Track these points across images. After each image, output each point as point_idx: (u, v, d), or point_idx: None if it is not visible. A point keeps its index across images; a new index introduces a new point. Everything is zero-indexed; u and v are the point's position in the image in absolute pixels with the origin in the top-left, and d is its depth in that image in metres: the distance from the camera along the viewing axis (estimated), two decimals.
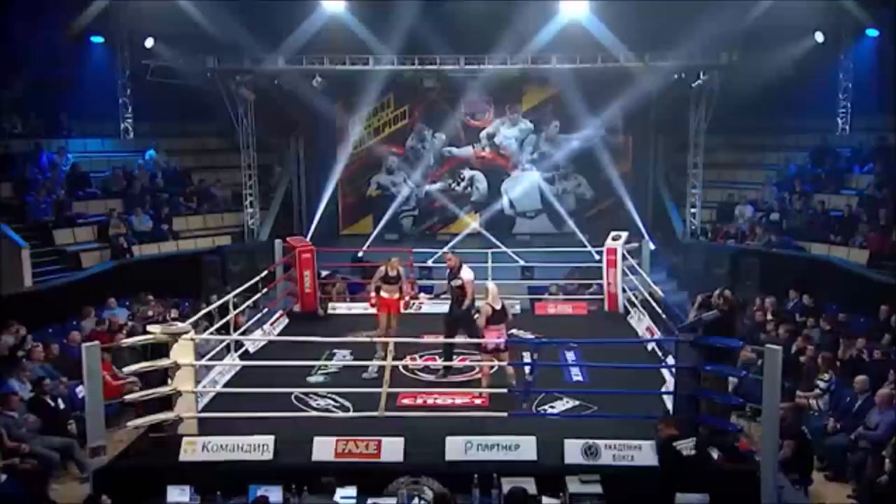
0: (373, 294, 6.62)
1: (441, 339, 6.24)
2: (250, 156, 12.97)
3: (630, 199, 13.64)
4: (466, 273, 6.73)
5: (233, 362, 6.78)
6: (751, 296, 8.85)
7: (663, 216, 13.08)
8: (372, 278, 7.05)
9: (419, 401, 5.96)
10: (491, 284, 6.16)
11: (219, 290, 9.02)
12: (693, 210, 12.47)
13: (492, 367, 6.03)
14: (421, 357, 7.00)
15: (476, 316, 6.04)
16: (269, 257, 9.65)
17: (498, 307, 6.01)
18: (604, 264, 8.89)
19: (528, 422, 5.47)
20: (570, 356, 7.08)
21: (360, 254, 13.20)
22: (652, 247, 10.28)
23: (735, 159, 13.03)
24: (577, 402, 5.86)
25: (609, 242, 8.85)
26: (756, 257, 10.18)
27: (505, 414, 5.47)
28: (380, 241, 14.54)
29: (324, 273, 9.82)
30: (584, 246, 10.59)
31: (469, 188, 15.07)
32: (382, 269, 6.76)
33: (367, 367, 6.61)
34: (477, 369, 6.57)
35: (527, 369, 6.26)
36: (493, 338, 5.92)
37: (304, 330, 7.72)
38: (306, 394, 6.07)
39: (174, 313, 8.04)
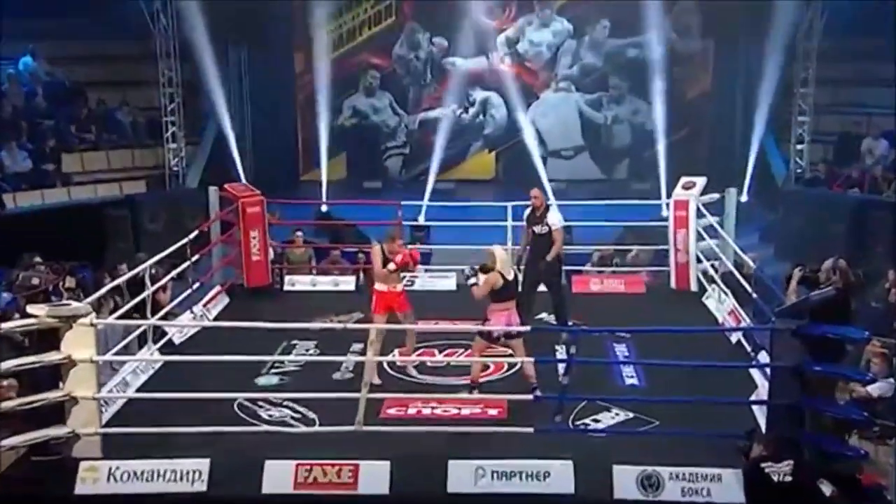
0: (395, 262, 6.48)
1: (448, 326, 6.18)
2: (172, 67, 12.78)
3: (709, 132, 13.53)
4: (555, 217, 7.18)
5: (151, 357, 6.78)
6: (881, 267, 8.60)
7: (757, 155, 12.93)
8: (338, 248, 7.21)
9: (412, 410, 6.01)
10: (498, 249, 6.21)
11: (130, 257, 8.97)
12: (800, 147, 12.28)
13: (486, 365, 6.21)
14: (415, 351, 7.01)
15: (472, 283, 6.12)
16: (202, 211, 9.64)
17: (510, 277, 6.08)
18: (670, 223, 8.85)
19: (562, 440, 5.49)
20: (622, 350, 7.13)
21: (324, 208, 13.28)
22: (743, 198, 10.22)
23: (861, 73, 12.54)
24: (630, 414, 5.89)
25: (678, 193, 8.82)
26: (890, 213, 9.95)
27: (530, 429, 5.49)
28: (356, 189, 14.58)
29: (274, 243, 9.75)
30: (643, 198, 10.52)
31: (481, 116, 14.95)
32: (378, 248, 6.61)
33: (339, 363, 6.65)
34: (492, 367, 6.63)
35: (560, 368, 6.27)
36: (500, 321, 5.99)
37: (252, 313, 7.74)
38: (254, 401, 6.09)
39: (70, 282, 7.96)
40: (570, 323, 7.33)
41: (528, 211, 7.49)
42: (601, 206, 10.15)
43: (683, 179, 8.93)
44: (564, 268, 9.84)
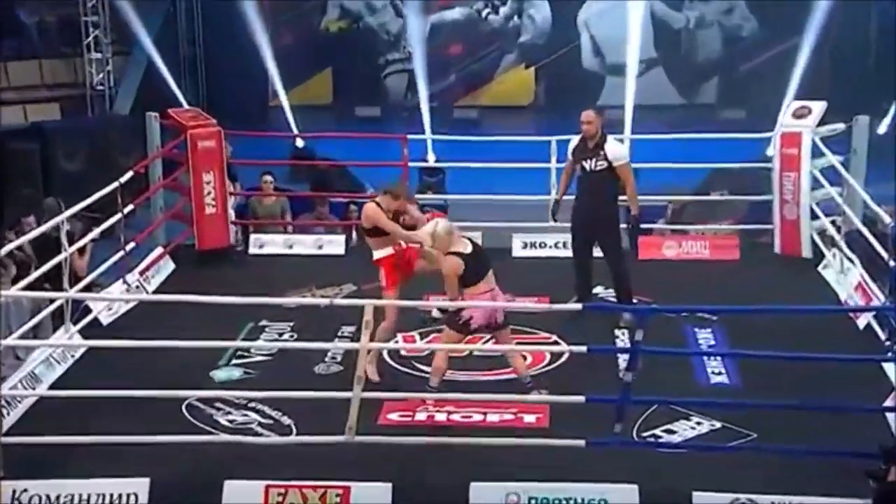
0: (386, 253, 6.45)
1: (470, 301, 6.16)
2: None
3: (832, 39, 13.33)
4: (615, 148, 7.06)
5: (70, 342, 6.83)
6: None
7: None
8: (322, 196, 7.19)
9: (421, 416, 6.05)
10: (440, 225, 6.12)
11: (38, 206, 9.00)
12: None
13: (463, 353, 6.25)
14: (423, 337, 7.05)
15: (422, 257, 6.19)
16: (136, 146, 9.75)
17: (466, 251, 6.06)
18: (775, 165, 8.80)
19: (624, 457, 5.50)
20: (706, 337, 7.15)
21: (301, 143, 13.27)
22: (880, 129, 10.03)
23: None
24: (716, 424, 5.91)
25: (787, 123, 8.75)
26: None
27: (581, 442, 5.49)
28: (346, 117, 14.56)
29: (236, 191, 9.77)
30: (738, 130, 10.43)
31: (516, 18, 14.80)
32: (374, 206, 6.47)
33: (324, 352, 6.69)
34: (530, 359, 6.66)
35: (621, 360, 6.27)
36: (482, 308, 5.98)
37: (206, 284, 7.76)
38: (210, 401, 6.14)
39: None
40: (634, 300, 7.32)
41: (574, 141, 7.43)
42: (679, 141, 10.05)
43: (795, 104, 8.87)
44: (625, 225, 9.88)
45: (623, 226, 7.50)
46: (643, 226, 9.49)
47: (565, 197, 7.63)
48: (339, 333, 7.08)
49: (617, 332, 7.15)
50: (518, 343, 6.95)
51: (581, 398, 5.58)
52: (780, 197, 8.72)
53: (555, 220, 7.75)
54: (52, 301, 6.99)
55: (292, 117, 14.18)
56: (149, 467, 5.41)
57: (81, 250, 7.86)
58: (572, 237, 7.59)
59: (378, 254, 6.53)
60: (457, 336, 6.09)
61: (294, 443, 5.68)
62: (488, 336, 6.41)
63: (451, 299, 6.11)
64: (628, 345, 6.63)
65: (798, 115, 8.72)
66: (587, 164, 7.25)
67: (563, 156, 7.93)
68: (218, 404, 6.13)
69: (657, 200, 10.03)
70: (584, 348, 5.74)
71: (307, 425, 5.82)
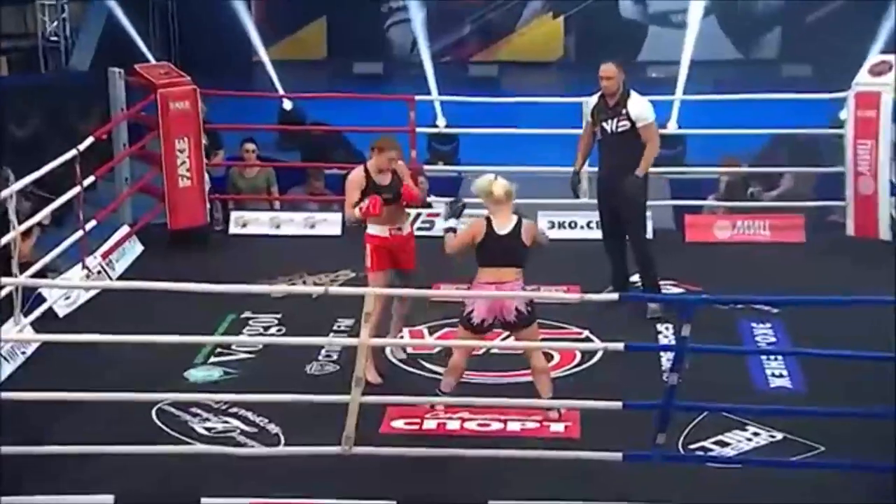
0: (360, 208, 6.43)
1: (486, 291, 6.14)
2: None
3: None
4: (638, 105, 7.23)
5: (20, 336, 6.87)
6: None
7: None
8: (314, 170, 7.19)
9: (430, 424, 6.10)
10: (493, 180, 6.06)
11: None
12: None
13: (475, 350, 6.28)
14: (433, 333, 7.16)
15: (448, 229, 6.14)
16: (98, 108, 9.77)
17: (503, 231, 6.00)
18: (848, 131, 8.78)
19: (668, 474, 5.51)
20: (765, 333, 7.17)
21: (288, 105, 13.26)
22: None
23: None
24: (777, 435, 5.93)
25: (863, 81, 8.74)
26: None
27: (617, 456, 5.50)
28: (342, 75, 14.53)
29: (215, 160, 9.79)
30: (804, 90, 10.36)
31: None
32: (360, 171, 6.55)
33: (317, 349, 6.74)
34: (557, 359, 6.70)
35: (665, 359, 6.30)
36: (484, 300, 5.96)
37: (179, 269, 7.80)
38: (184, 405, 6.19)
39: None
40: (680, 289, 7.34)
41: (593, 100, 7.44)
42: (735, 102, 10.02)
43: (872, 59, 8.85)
44: (673, 202, 9.86)
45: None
46: (690, 202, 9.53)
47: (588, 169, 7.63)
48: (335, 327, 7.10)
49: (659, 326, 7.15)
50: (543, 339, 6.98)
51: (618, 404, 5.57)
52: (853, 169, 8.70)
53: (577, 196, 7.73)
54: None
55: (279, 75, 14.17)
56: (113, 482, 5.43)
57: (26, 232, 7.88)
58: (599, 214, 7.60)
59: (368, 229, 6.57)
60: (465, 333, 6.08)
61: (282, 454, 5.70)
62: (505, 334, 6.40)
63: (447, 249, 6.11)
64: (673, 342, 6.61)
65: (877, 71, 8.69)
66: (608, 126, 7.30)
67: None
68: (194, 409, 6.16)
69: (708, 172, 10.02)
70: (620, 345, 5.73)
71: (297, 434, 5.84)
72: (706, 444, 5.84)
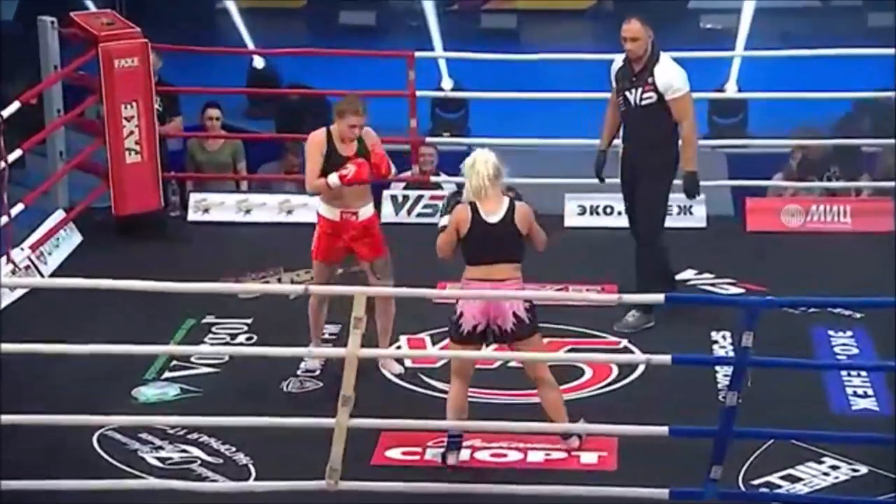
0: (343, 175, 6.57)
1: (497, 291, 6.14)
2: None
3: None
4: (667, 72, 7.20)
5: None
6: None
7: None
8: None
9: (433, 453, 6.10)
10: (480, 155, 6.09)
11: None
12: None
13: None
14: (436, 342, 7.14)
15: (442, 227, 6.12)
16: (25, 66, 9.76)
17: (492, 219, 5.98)
18: None
19: None
20: (845, 344, 7.19)
21: (260, 62, 13.23)
22: None
23: None
24: (861, 469, 5.93)
25: None
26: None
27: (663, 493, 5.52)
28: (326, 26, 14.51)
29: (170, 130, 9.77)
30: (892, 44, 10.35)
31: None
32: (321, 133, 6.74)
33: (296, 361, 6.80)
34: (589, 375, 6.68)
35: (722, 374, 6.30)
36: (473, 304, 5.94)
37: (127, 262, 7.86)
38: (132, 430, 6.19)
39: None
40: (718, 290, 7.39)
41: (618, 62, 7.43)
42: (807, 60, 10.01)
43: None
44: (731, 182, 9.82)
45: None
46: (752, 182, 9.50)
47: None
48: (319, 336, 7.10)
49: (715, 335, 7.15)
50: (572, 350, 7.00)
51: (663, 429, 5.59)
52: None
53: (602, 181, 7.68)
54: None
55: (249, 25, 14.17)
56: None
57: None
58: (624, 198, 7.64)
59: (319, 207, 6.71)
60: (454, 347, 6.05)
61: (253, 490, 5.70)
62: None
63: (438, 252, 6.10)
64: (731, 353, 6.60)
65: None
66: (631, 97, 7.29)
67: None
68: (144, 435, 6.16)
69: (774, 146, 10.00)
70: (667, 358, 5.74)
71: (271, 466, 5.85)
72: (772, 479, 5.83)
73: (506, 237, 5.98)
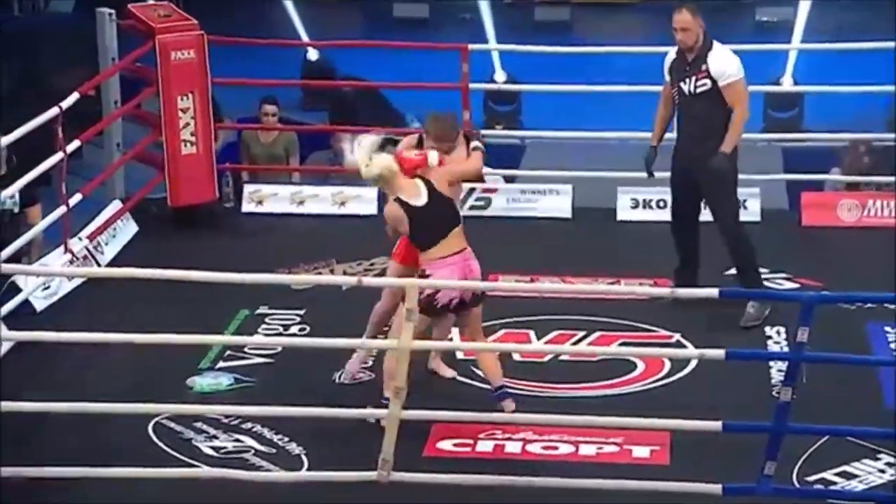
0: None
1: (555, 284, 6.17)
2: None
3: None
4: (721, 60, 7.19)
5: None
6: None
7: None
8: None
9: (485, 445, 6.12)
10: (365, 141, 6.13)
11: None
12: None
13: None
14: (488, 335, 7.06)
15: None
16: (83, 58, 9.79)
17: (417, 201, 6.06)
18: None
19: None
20: None
21: (314, 54, 13.25)
22: None
23: None
24: None
25: None
26: None
27: (716, 488, 5.50)
28: (380, 19, 14.52)
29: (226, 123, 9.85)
30: None
31: None
32: (415, 137, 6.61)
33: (348, 353, 6.76)
34: (641, 369, 6.65)
35: (776, 369, 6.25)
36: (444, 276, 6.01)
37: (182, 253, 7.89)
38: (187, 419, 6.23)
39: None
40: (794, 284, 7.36)
41: (671, 55, 7.42)
42: (865, 53, 9.89)
43: None
44: (787, 176, 9.75)
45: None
46: (809, 176, 9.42)
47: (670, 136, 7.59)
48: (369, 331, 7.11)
49: (769, 330, 7.11)
50: (625, 344, 6.97)
51: (717, 424, 5.56)
52: None
53: (650, 175, 7.65)
54: None
55: (304, 18, 14.20)
56: None
57: (32, 200, 8.01)
58: (672, 189, 7.61)
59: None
60: (424, 321, 6.06)
61: (305, 480, 5.72)
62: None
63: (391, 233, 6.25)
64: (786, 348, 6.55)
65: None
66: (685, 86, 7.28)
67: None
68: (198, 424, 6.19)
69: (830, 140, 9.90)
70: (720, 353, 5.70)
71: (323, 456, 5.87)
72: (827, 475, 5.80)
73: (441, 208, 6.12)
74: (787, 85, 11.27)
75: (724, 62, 7.21)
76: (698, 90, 7.23)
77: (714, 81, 7.19)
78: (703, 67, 7.20)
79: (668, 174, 7.66)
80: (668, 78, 7.45)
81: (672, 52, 7.40)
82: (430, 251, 6.09)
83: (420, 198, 6.08)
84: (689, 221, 7.50)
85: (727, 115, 7.22)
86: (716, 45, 7.28)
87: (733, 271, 7.50)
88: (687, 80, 7.26)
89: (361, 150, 6.09)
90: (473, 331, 6.27)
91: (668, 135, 7.62)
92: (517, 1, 14.95)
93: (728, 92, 7.19)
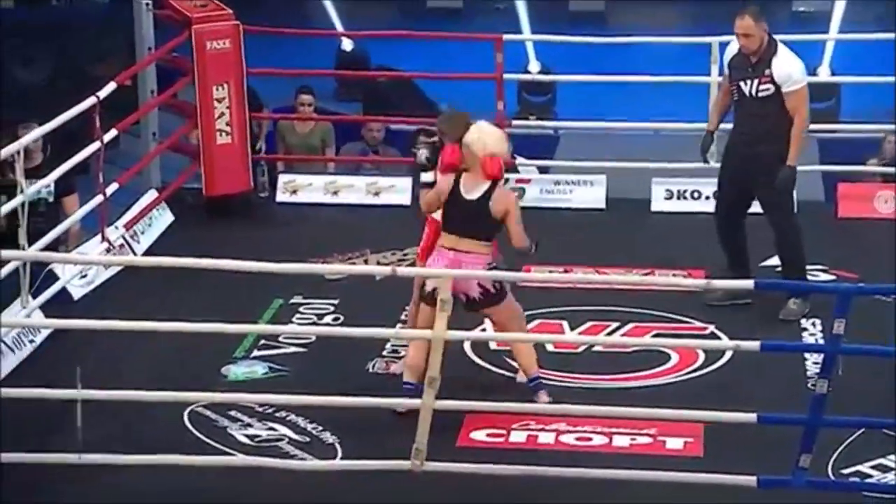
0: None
1: (587, 274, 6.15)
2: None
3: None
4: (786, 64, 7.12)
5: (27, 321, 6.98)
6: None
7: None
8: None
9: (518, 436, 6.13)
10: (485, 127, 6.24)
11: None
12: None
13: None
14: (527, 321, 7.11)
15: (424, 183, 6.32)
16: (119, 47, 9.88)
17: (471, 195, 6.09)
18: None
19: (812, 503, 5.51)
20: None
21: (348, 44, 13.25)
22: None
23: None
24: None
25: None
26: None
27: (751, 480, 5.47)
28: (414, 9, 14.51)
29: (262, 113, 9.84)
30: None
31: None
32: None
33: (382, 342, 6.82)
34: (675, 360, 6.65)
35: (811, 362, 6.24)
36: (439, 265, 6.09)
37: (217, 242, 7.92)
38: (222, 407, 6.26)
39: None
40: (830, 277, 7.36)
41: (733, 48, 7.33)
42: None
43: None
44: (823, 167, 9.69)
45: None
46: (845, 168, 9.36)
47: (724, 126, 7.54)
48: (403, 317, 7.11)
49: (804, 322, 7.07)
50: (658, 335, 6.96)
51: (751, 416, 5.53)
52: None
53: (706, 162, 7.64)
54: (2, 264, 7.11)
55: (338, 8, 14.21)
56: (137, 499, 5.52)
57: (69, 190, 8.02)
58: (719, 185, 7.55)
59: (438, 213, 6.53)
60: (428, 310, 6.09)
61: (339, 469, 5.74)
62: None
63: (423, 208, 6.32)
64: (821, 340, 6.52)
65: None
66: (746, 87, 7.18)
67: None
68: (233, 412, 6.23)
69: (867, 131, 9.84)
70: (755, 344, 5.68)
71: (357, 445, 5.89)
72: (862, 468, 5.78)
73: (477, 216, 6.14)
74: (823, 75, 11.20)
75: (790, 68, 7.12)
76: (760, 94, 7.13)
77: (777, 87, 7.10)
78: (767, 72, 7.10)
79: (703, 165, 7.63)
80: (727, 72, 7.38)
81: (734, 44, 7.30)
82: (444, 236, 6.19)
83: (471, 192, 6.12)
84: (735, 220, 7.42)
85: (784, 118, 7.13)
86: (781, 48, 7.18)
87: (770, 262, 7.48)
88: (748, 81, 7.16)
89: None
90: (501, 325, 6.28)
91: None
92: None
93: (791, 98, 7.10)
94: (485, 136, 6.17)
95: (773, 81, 7.10)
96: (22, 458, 5.54)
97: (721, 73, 7.97)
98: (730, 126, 7.51)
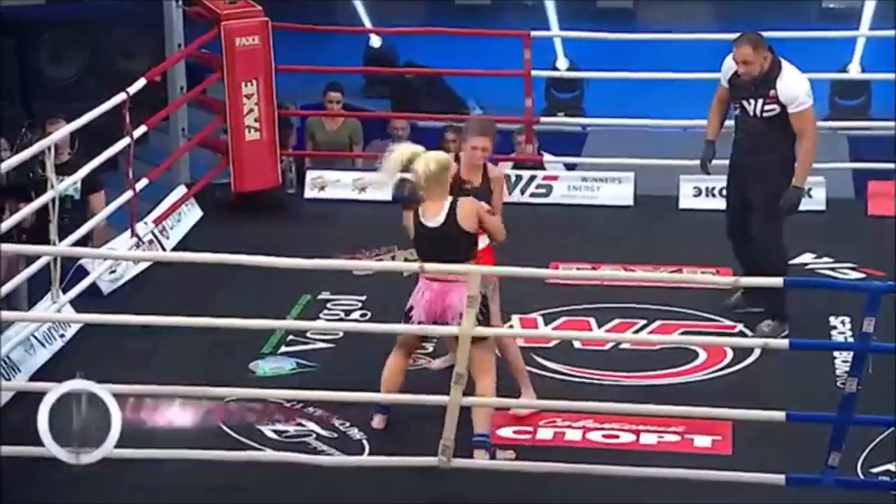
0: None
1: (615, 271, 6.12)
2: None
3: None
4: (791, 85, 6.92)
5: (57, 315, 7.00)
6: None
7: None
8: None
9: (545, 433, 6.14)
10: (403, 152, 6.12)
11: (16, 124, 9.17)
12: None
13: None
14: (549, 322, 7.16)
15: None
16: (149, 44, 9.89)
17: (432, 222, 5.91)
18: None
19: (842, 502, 5.44)
20: None
21: (376, 41, 13.24)
22: None
23: None
24: None
25: None
26: None
27: (779, 478, 5.46)
28: (442, 6, 14.49)
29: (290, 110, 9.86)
30: None
31: None
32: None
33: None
34: (703, 358, 6.64)
35: (840, 360, 6.25)
36: (417, 301, 6.01)
37: (245, 238, 7.93)
38: (249, 403, 6.27)
39: None
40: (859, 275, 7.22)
41: (731, 64, 7.06)
42: None
43: None
44: (853, 165, 9.63)
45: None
46: (875, 165, 9.31)
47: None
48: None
49: (833, 320, 7.05)
50: (685, 333, 6.94)
51: (780, 414, 5.52)
52: None
53: (707, 173, 7.47)
54: (32, 259, 7.14)
55: (366, 4, 14.21)
56: (164, 495, 5.56)
57: (97, 187, 8.07)
58: (726, 197, 7.41)
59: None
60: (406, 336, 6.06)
61: (367, 465, 5.77)
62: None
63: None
64: (850, 339, 6.50)
65: None
66: (749, 106, 7.00)
67: None
68: (261, 408, 6.24)
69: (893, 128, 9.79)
70: (784, 342, 5.69)
71: (385, 441, 5.91)
72: (892, 467, 5.77)
73: (448, 239, 5.91)
74: (854, 72, 11.14)
75: (795, 88, 6.93)
76: (766, 114, 6.96)
77: (783, 107, 6.93)
78: (772, 93, 6.92)
79: (726, 162, 7.58)
80: (725, 85, 7.18)
81: (735, 61, 7.03)
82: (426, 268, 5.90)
83: (433, 219, 5.92)
84: (745, 238, 7.18)
85: (789, 135, 6.99)
86: (785, 67, 6.98)
87: (797, 261, 7.44)
88: (752, 101, 6.99)
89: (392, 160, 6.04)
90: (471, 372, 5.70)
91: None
92: None
93: (797, 118, 6.94)
94: (425, 160, 5.96)
95: (778, 102, 6.94)
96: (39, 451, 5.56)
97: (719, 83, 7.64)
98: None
